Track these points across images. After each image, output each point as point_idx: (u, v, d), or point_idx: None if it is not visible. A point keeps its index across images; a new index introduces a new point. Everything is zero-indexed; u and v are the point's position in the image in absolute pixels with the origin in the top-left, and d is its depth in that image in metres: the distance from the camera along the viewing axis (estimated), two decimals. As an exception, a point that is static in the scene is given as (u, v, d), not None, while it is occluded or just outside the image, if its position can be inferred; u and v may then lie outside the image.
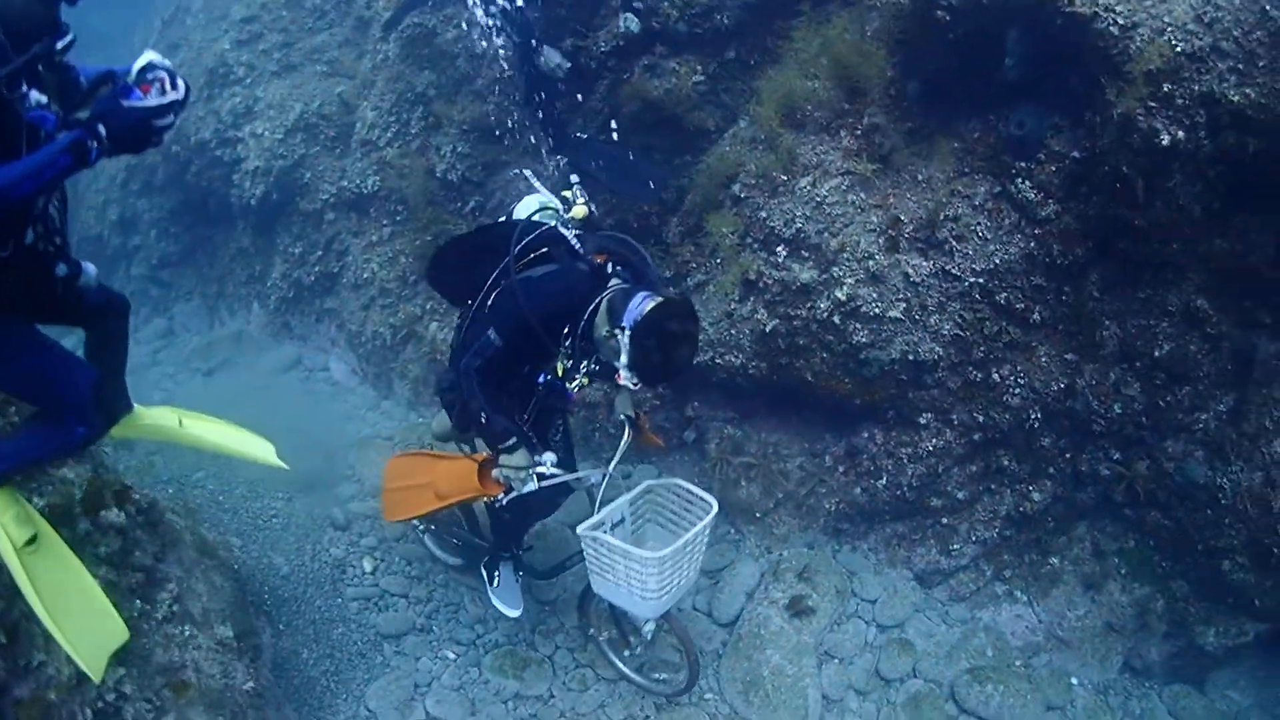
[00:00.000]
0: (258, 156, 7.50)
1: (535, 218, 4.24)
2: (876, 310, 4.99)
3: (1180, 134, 4.20)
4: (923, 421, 5.26)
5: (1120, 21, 4.24)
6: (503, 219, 4.46)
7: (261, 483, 5.78)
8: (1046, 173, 4.82)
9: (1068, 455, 5.27)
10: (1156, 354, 4.83)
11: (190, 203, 8.28)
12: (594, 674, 4.91)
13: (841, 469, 5.59)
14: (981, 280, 4.93)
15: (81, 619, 3.12)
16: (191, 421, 4.03)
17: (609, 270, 3.90)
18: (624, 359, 3.65)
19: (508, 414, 4.15)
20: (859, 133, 5.26)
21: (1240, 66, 4.05)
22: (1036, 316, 4.97)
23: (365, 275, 6.97)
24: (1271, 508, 4.70)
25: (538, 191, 4.56)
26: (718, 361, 5.45)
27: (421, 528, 5.48)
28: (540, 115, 5.82)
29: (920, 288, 4.99)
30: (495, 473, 4.10)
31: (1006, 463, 5.29)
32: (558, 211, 4.37)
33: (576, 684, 4.87)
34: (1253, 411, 4.76)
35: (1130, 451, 5.14)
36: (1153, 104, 4.24)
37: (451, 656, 5.00)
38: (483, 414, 3.99)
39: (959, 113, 5.11)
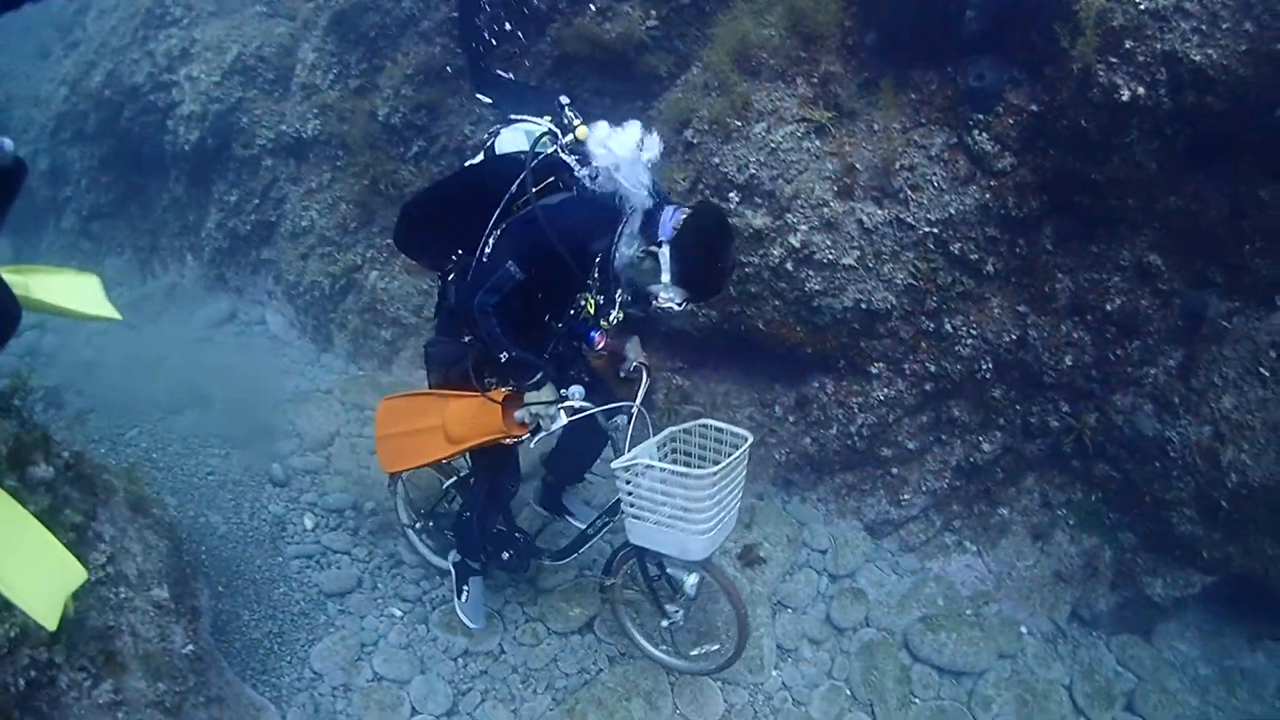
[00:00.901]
0: (193, 100, 7.28)
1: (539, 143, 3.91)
2: (830, 258, 5.03)
3: (1140, 90, 4.27)
4: (874, 371, 5.33)
5: (1083, -27, 4.28)
6: (480, 158, 4.14)
7: (197, 439, 5.75)
8: (1004, 125, 4.85)
9: (1018, 406, 5.39)
10: (1108, 308, 4.94)
11: (123, 151, 8.04)
12: (545, 628, 4.92)
13: (791, 419, 5.66)
14: (936, 230, 4.98)
15: (26, 563, 3.01)
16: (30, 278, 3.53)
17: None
18: (666, 277, 3.55)
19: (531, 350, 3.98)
20: (815, 80, 5.26)
21: (1203, 27, 4.11)
22: (990, 268, 5.04)
23: (304, 223, 6.86)
24: (1220, 461, 4.85)
25: (521, 122, 4.15)
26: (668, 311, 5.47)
27: (411, 523, 5.17)
28: (471, 54, 5.57)
29: (874, 236, 5.03)
30: (519, 413, 3.92)
31: (957, 413, 5.39)
32: (555, 136, 3.97)
33: (528, 638, 4.90)
34: (1202, 367, 4.90)
35: (1080, 404, 5.27)
36: (1114, 59, 4.32)
37: (397, 614, 5.00)
38: (504, 351, 3.78)
39: (916, 64, 5.10)
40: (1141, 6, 4.15)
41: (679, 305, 3.67)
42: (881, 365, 5.31)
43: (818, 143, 5.15)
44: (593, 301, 3.85)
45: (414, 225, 4.22)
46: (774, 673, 4.95)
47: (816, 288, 5.10)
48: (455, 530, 4.80)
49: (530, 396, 3.86)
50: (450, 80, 6.31)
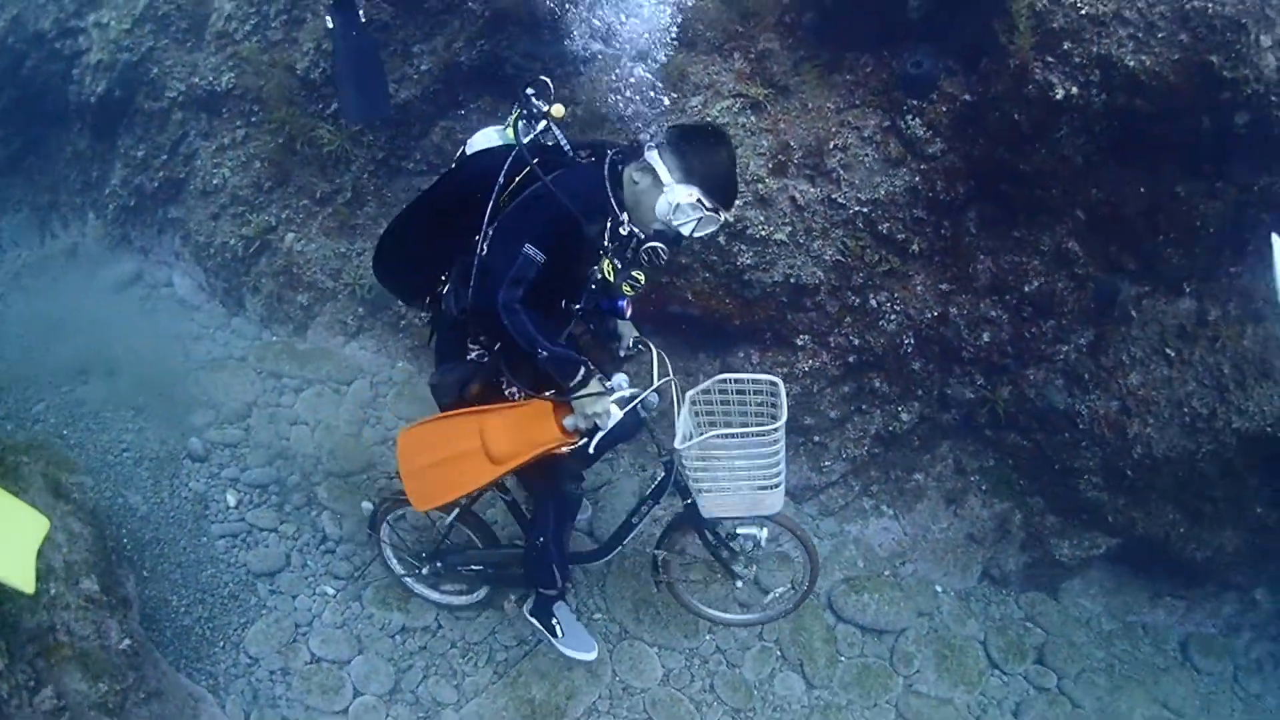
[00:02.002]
0: (101, 49, 6.69)
1: (509, 139, 3.81)
2: (763, 233, 5.10)
3: (1074, 90, 4.47)
4: (800, 343, 5.44)
5: (1028, -25, 4.44)
6: (453, 166, 3.93)
7: (108, 412, 5.44)
8: (937, 112, 4.98)
9: (936, 379, 5.60)
10: (1026, 289, 5.17)
11: (24, 101, 7.33)
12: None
13: (717, 388, 5.80)
14: (865, 210, 5.09)
15: None
16: None
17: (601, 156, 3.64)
18: (666, 178, 3.45)
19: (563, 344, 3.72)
20: (751, 56, 5.26)
21: (1140, 34, 4.31)
22: (915, 247, 5.20)
23: (215, 181, 6.44)
24: (1126, 433, 5.24)
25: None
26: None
27: (409, 572, 4.79)
28: None
29: (806, 213, 5.11)
30: (569, 420, 3.68)
31: (878, 384, 5.56)
32: (528, 120, 3.77)
33: (466, 611, 4.90)
34: (1111, 346, 5.21)
35: (995, 377, 5.51)
36: (1051, 59, 4.50)
37: (331, 592, 4.93)
38: (540, 350, 3.52)
39: (854, 46, 5.16)
40: (1083, 11, 4.32)
41: (703, 205, 3.49)
42: (807, 338, 5.43)
43: (753, 119, 5.18)
44: (610, 266, 3.60)
45: (400, 248, 3.93)
46: (707, 636, 5.09)
47: (748, 262, 5.17)
48: (528, 564, 4.36)
49: (579, 396, 3.60)
50: (376, 34, 5.97)
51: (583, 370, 3.60)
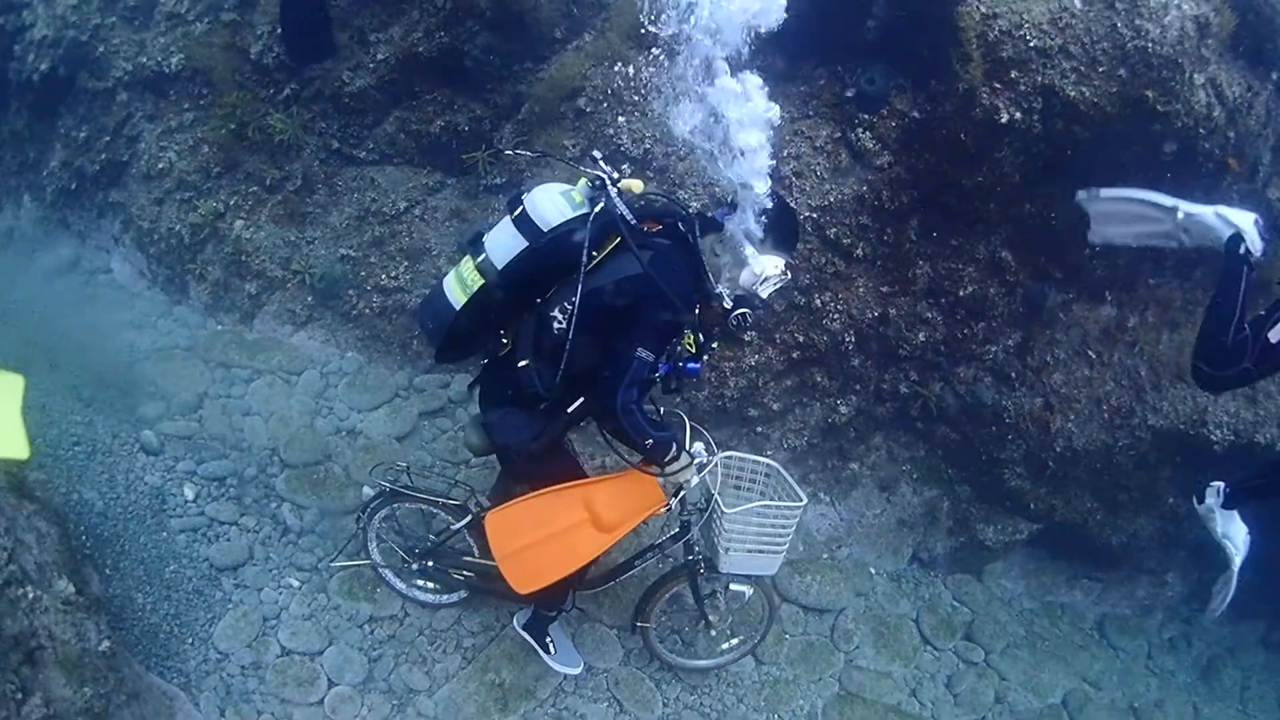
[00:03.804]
0: (46, 25, 6.27)
1: (578, 205, 3.67)
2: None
3: (1018, 115, 4.80)
4: (747, 339, 5.58)
5: (983, 10, 4.70)
6: (512, 228, 3.68)
7: (54, 405, 5.15)
8: (886, 126, 5.23)
9: (874, 375, 5.87)
10: (960, 293, 5.48)
11: None
12: (445, 580, 4.85)
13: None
14: (815, 215, 5.29)
15: None
16: None
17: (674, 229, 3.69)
18: (748, 251, 3.57)
19: (658, 424, 3.92)
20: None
21: (1082, 68, 4.66)
22: (860, 252, 5.42)
23: (160, 165, 6.10)
24: (1049, 428, 5.62)
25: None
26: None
27: (391, 565, 4.76)
28: None
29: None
30: (661, 483, 3.96)
31: (819, 379, 5.78)
32: (596, 190, 3.69)
33: (431, 598, 4.85)
34: (1037, 348, 5.59)
35: (928, 374, 5.83)
36: (998, 85, 4.81)
37: (295, 584, 4.83)
38: (648, 441, 3.75)
39: (809, 60, 5.35)
40: (1031, 44, 4.62)
41: (778, 270, 3.66)
42: (754, 334, 5.58)
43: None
44: (692, 338, 3.81)
45: (472, 331, 3.90)
46: (664, 618, 5.17)
47: (702, 262, 5.35)
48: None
49: (672, 468, 3.87)
50: (334, 19, 5.83)
51: (675, 447, 3.86)
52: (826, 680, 5.31)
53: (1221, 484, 3.93)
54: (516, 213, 3.69)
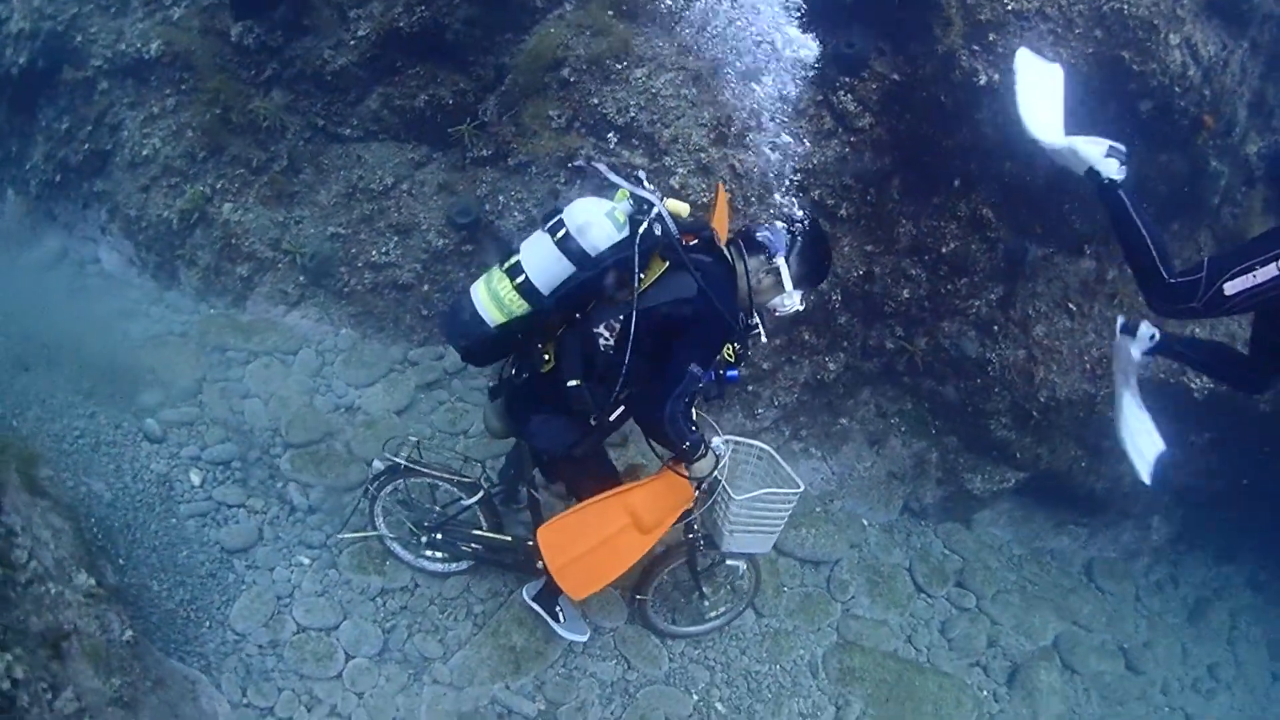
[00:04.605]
0: (24, 17, 6.12)
1: (622, 225, 3.59)
2: (705, 199, 5.22)
3: (996, 76, 4.87)
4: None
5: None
6: (553, 244, 3.60)
7: (55, 399, 5.14)
8: (867, 89, 5.29)
9: (860, 331, 5.98)
10: (943, 250, 5.60)
11: None
12: (454, 550, 4.91)
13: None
14: (799, 178, 5.31)
15: None
16: None
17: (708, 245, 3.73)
18: (789, 285, 3.65)
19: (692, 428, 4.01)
20: (691, 30, 5.32)
21: (1059, 29, 4.75)
22: (843, 212, 5.51)
23: (145, 152, 6.02)
24: (1033, 379, 5.77)
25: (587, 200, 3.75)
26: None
27: (400, 538, 4.87)
28: None
29: (744, 180, 5.28)
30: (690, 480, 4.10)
31: (807, 337, 5.86)
32: (645, 209, 3.61)
33: (439, 566, 4.92)
34: (1019, 301, 5.72)
35: (913, 329, 5.96)
36: (976, 48, 4.90)
37: (306, 562, 4.89)
38: (686, 444, 3.83)
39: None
40: (1009, 7, 4.68)
41: (799, 308, 3.78)
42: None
43: (695, 90, 5.28)
44: (731, 350, 3.93)
45: (509, 346, 3.91)
46: (665, 577, 5.24)
47: (691, 227, 5.39)
48: None
49: (699, 466, 3.96)
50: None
51: (704, 447, 3.95)
52: (825, 630, 5.48)
53: (1157, 333, 3.97)
54: (560, 234, 3.56)
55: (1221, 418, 6.08)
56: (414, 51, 5.77)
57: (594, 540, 3.92)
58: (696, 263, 3.56)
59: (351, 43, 5.74)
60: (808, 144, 5.30)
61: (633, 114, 5.30)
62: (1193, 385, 5.77)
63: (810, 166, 5.32)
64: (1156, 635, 6.45)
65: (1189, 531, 7.12)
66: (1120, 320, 3.95)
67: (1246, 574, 7.28)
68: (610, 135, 5.33)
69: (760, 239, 3.70)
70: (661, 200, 3.54)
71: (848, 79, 5.28)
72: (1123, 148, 3.60)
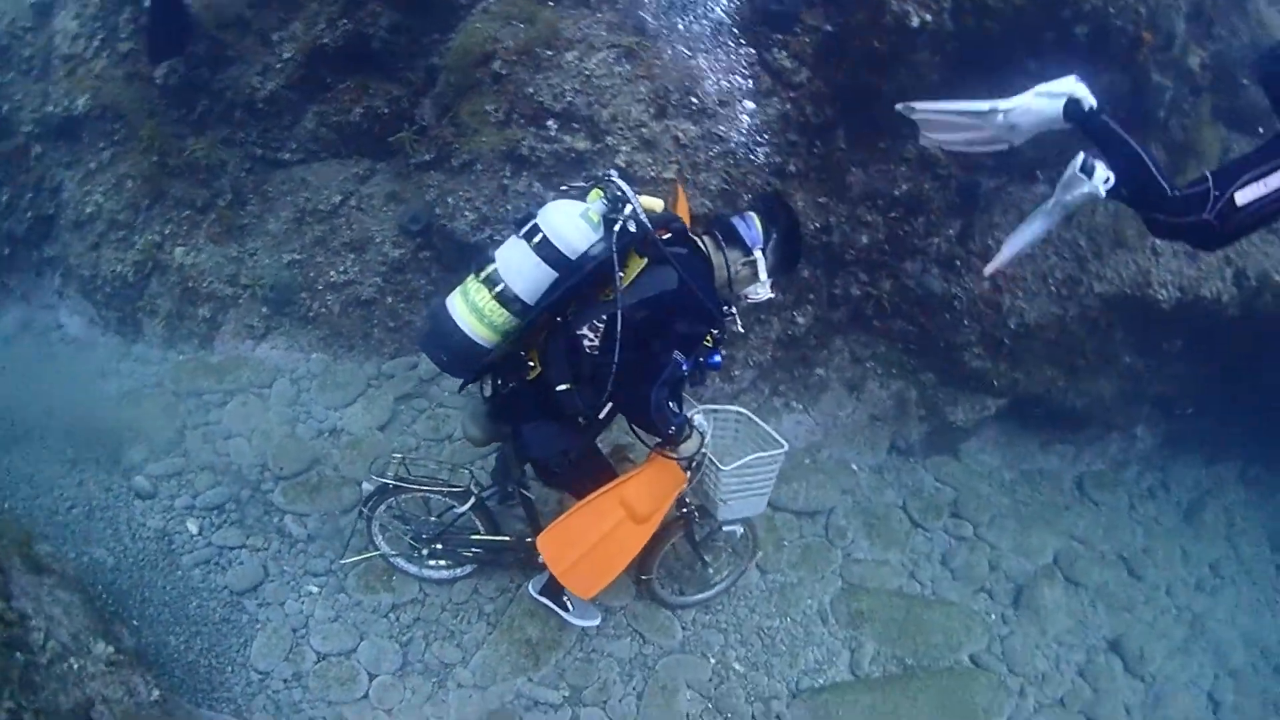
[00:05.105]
0: None
1: (596, 225, 3.66)
2: (652, 173, 5.35)
3: (928, 17, 4.98)
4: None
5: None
6: (531, 249, 3.65)
7: (41, 474, 5.25)
8: (801, 44, 5.37)
9: (824, 282, 6.13)
10: (896, 193, 5.75)
11: None
12: (455, 556, 5.06)
13: (626, 319, 6.13)
14: (743, 139, 5.42)
15: None
16: None
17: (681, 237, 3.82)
18: (764, 275, 3.79)
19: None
20: (619, 6, 5.45)
21: None
22: (792, 167, 5.63)
23: (88, 210, 6.08)
24: (1001, 308, 5.97)
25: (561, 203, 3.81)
26: (495, 237, 5.55)
27: (401, 553, 4.99)
28: None
29: (689, 149, 5.40)
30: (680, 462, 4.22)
31: (773, 295, 6.07)
32: (619, 206, 3.65)
33: (445, 573, 5.07)
34: (978, 233, 5.89)
35: (876, 274, 6.11)
36: (905, -10, 4.96)
37: (314, 590, 5.03)
38: (671, 429, 3.94)
39: (716, -12, 5.42)
40: (934, -54, 4.74)
41: (770, 295, 3.92)
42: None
43: (629, 66, 5.37)
44: (711, 335, 3.91)
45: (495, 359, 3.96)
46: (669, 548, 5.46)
47: (641, 201, 5.48)
48: None
49: (685, 447, 4.07)
50: (232, 28, 5.81)
51: (688, 428, 4.08)
52: (829, 577, 5.70)
53: (1114, 179, 3.58)
54: (537, 240, 3.62)
55: (1189, 324, 6.28)
56: (342, 66, 5.83)
57: (593, 539, 4.01)
58: (674, 255, 3.61)
59: (278, 66, 5.79)
60: (749, 105, 5.39)
61: (569, 98, 5.38)
62: (1159, 296, 5.94)
63: (753, 126, 5.40)
64: (1154, 540, 6.72)
65: (1175, 437, 7.37)
66: (1082, 157, 3.64)
67: (1237, 471, 7.56)
68: (550, 123, 5.42)
69: (739, 233, 3.79)
70: (636, 197, 3.58)
71: (780, 36, 5.34)
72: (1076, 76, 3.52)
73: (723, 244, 3.83)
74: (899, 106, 3.92)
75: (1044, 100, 3.51)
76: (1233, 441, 7.38)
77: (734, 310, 3.97)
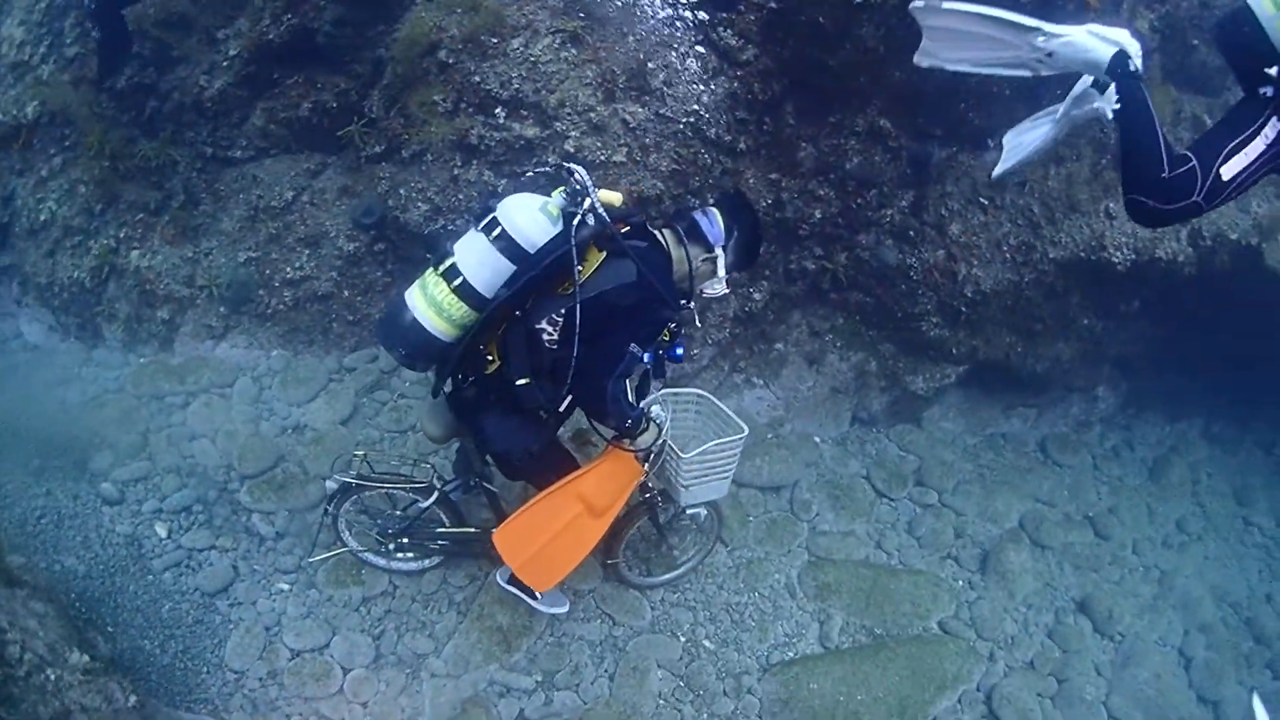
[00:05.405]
0: None
1: (555, 219, 3.75)
2: (602, 157, 5.43)
3: None
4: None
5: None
6: (490, 243, 3.73)
7: (7, 486, 5.30)
8: (746, 21, 5.42)
9: (780, 257, 6.25)
10: (847, 166, 5.82)
11: None
12: (423, 548, 5.17)
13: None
14: (692, 120, 5.51)
15: None
16: None
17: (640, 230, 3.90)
18: (722, 271, 3.98)
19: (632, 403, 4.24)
20: (561, -9, 5.52)
21: None
22: (742, 145, 5.72)
23: (42, 218, 6.13)
24: (956, 276, 6.07)
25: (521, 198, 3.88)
26: (449, 228, 5.68)
27: (370, 548, 5.09)
28: None
29: (638, 132, 5.48)
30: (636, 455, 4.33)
31: (729, 272, 6.16)
32: (575, 198, 3.78)
33: (414, 565, 5.19)
34: (931, 203, 5.98)
35: (831, 247, 6.21)
36: (847, -36, 4.99)
37: (285, 588, 5.15)
38: (628, 421, 4.08)
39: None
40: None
41: (726, 290, 4.07)
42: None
43: (574, 51, 5.42)
44: (670, 329, 4.01)
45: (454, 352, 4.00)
46: (635, 532, 5.53)
47: (593, 184, 5.55)
48: None
49: (642, 439, 4.22)
50: (176, 27, 5.83)
51: (644, 420, 4.23)
52: (795, 551, 5.86)
53: (1121, 145, 3.42)
54: (495, 233, 3.70)
55: (1146, 285, 6.38)
56: (289, 61, 5.87)
57: (550, 533, 4.18)
58: (633, 249, 3.71)
59: (224, 64, 5.82)
60: (696, 86, 5.45)
61: (516, 85, 5.43)
62: (1115, 259, 6.00)
63: (702, 106, 5.46)
64: (1120, 500, 6.87)
65: (1137, 397, 7.52)
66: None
67: (1199, 428, 7.71)
68: (498, 111, 5.48)
69: (702, 229, 3.89)
70: (595, 190, 3.66)
71: (725, 14, 5.39)
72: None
73: (684, 239, 3.91)
74: (915, 5, 3.57)
75: (1095, 41, 3.34)
76: (1195, 399, 7.52)
77: (692, 304, 4.04)
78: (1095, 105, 3.44)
